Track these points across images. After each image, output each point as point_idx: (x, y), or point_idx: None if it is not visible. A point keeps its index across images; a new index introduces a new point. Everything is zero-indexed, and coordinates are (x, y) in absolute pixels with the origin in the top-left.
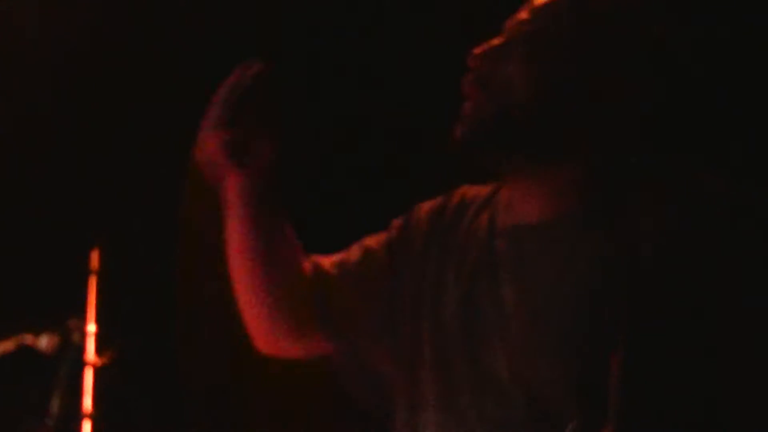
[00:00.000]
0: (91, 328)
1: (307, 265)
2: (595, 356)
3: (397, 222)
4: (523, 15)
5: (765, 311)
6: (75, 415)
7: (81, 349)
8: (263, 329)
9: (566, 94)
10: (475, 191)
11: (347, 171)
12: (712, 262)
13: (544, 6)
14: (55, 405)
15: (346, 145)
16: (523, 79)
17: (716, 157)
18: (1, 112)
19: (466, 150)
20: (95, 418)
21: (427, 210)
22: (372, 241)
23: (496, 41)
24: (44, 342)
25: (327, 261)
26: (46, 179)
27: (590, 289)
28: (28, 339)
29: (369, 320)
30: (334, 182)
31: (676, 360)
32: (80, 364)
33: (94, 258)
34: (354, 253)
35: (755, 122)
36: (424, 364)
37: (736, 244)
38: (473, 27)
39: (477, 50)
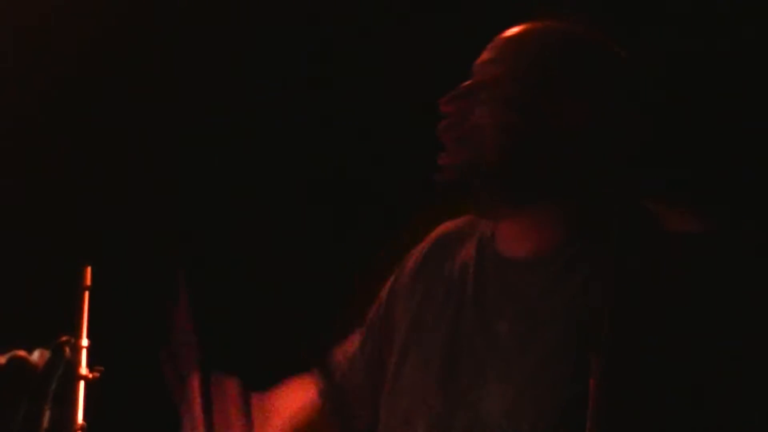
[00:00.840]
0: (84, 342)
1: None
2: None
3: (384, 288)
4: (487, 56)
5: (739, 351)
6: (66, 427)
7: (72, 363)
8: None
9: (535, 136)
10: (454, 228)
11: None
12: (688, 302)
13: (508, 47)
14: (46, 418)
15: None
16: (491, 125)
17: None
18: None
19: (448, 194)
20: (86, 429)
21: (410, 260)
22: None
23: (463, 85)
24: (36, 356)
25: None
26: (41, 198)
27: (577, 324)
28: (20, 353)
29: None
30: None
31: (648, 392)
32: (72, 378)
33: (87, 275)
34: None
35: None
36: (415, 404)
37: (710, 284)
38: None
39: (445, 98)
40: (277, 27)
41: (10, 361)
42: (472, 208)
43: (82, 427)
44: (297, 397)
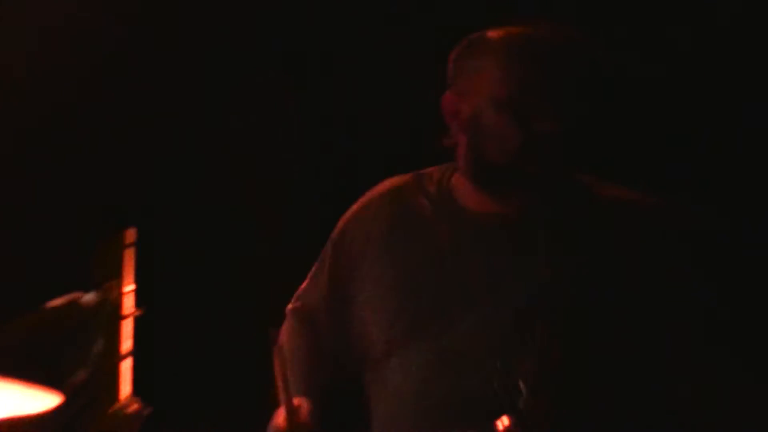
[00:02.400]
0: (129, 287)
1: None
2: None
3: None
4: (478, 60)
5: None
6: (113, 354)
7: (117, 304)
8: None
9: (522, 135)
10: (400, 182)
11: None
12: (615, 249)
13: (507, 44)
14: (97, 345)
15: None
16: (485, 125)
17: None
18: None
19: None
20: (132, 354)
21: (358, 210)
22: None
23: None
24: (89, 297)
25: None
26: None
27: (534, 263)
28: (76, 296)
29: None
30: None
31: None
32: (116, 315)
33: (131, 234)
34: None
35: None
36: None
37: (630, 232)
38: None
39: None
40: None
41: (69, 302)
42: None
43: (126, 354)
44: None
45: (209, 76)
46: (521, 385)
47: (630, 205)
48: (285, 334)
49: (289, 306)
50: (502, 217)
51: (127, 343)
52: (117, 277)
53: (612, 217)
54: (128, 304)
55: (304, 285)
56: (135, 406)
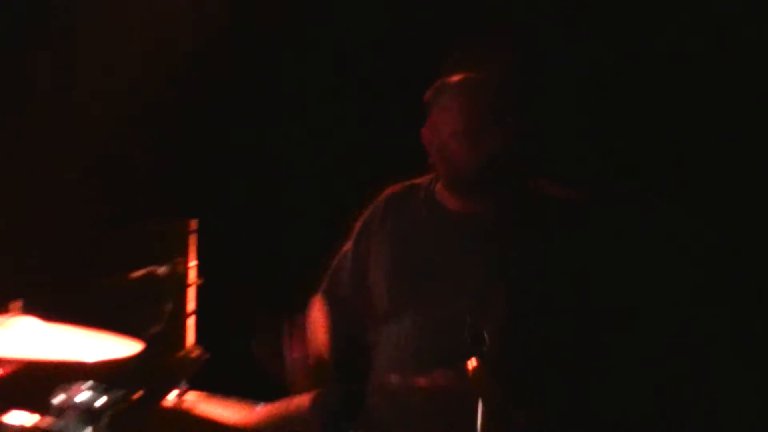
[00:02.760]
0: (192, 263)
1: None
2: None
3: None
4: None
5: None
6: (180, 314)
7: (183, 276)
8: None
9: (489, 151)
10: (400, 189)
11: None
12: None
13: (458, 90)
14: (168, 308)
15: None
16: (456, 147)
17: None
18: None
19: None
20: (197, 313)
21: (369, 213)
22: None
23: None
24: (161, 270)
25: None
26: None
27: (496, 249)
28: (151, 269)
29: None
30: None
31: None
32: (183, 285)
33: (194, 223)
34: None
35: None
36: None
37: (576, 226)
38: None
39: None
40: None
41: (146, 273)
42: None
43: (190, 313)
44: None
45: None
46: (485, 336)
47: (566, 202)
48: (317, 311)
49: (322, 289)
50: (472, 215)
51: (191, 305)
52: (183, 254)
53: (552, 211)
54: (192, 275)
55: (330, 272)
56: (197, 352)
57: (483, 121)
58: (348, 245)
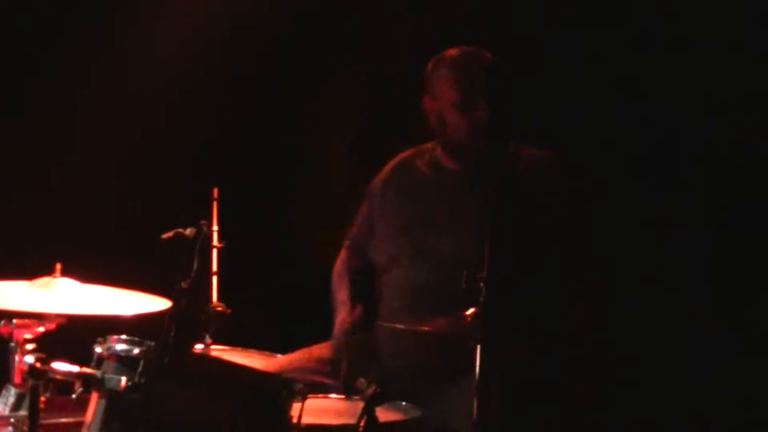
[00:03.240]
0: (215, 227)
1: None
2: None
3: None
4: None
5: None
6: (206, 271)
7: (208, 236)
8: None
9: (471, 122)
10: (410, 154)
11: None
12: (549, 186)
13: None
14: (195, 264)
15: None
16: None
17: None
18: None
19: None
20: (218, 274)
21: (383, 173)
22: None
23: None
24: (188, 231)
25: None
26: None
27: (484, 198)
28: (179, 230)
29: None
30: None
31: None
32: (209, 246)
33: (215, 192)
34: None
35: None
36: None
37: (559, 179)
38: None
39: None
40: None
41: (175, 234)
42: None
43: (215, 273)
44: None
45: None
46: (482, 286)
47: (539, 160)
48: (341, 262)
49: (346, 242)
50: (465, 172)
51: (214, 266)
52: (207, 218)
53: (527, 168)
54: (215, 239)
55: (353, 227)
56: (221, 308)
57: (475, 92)
58: (364, 202)
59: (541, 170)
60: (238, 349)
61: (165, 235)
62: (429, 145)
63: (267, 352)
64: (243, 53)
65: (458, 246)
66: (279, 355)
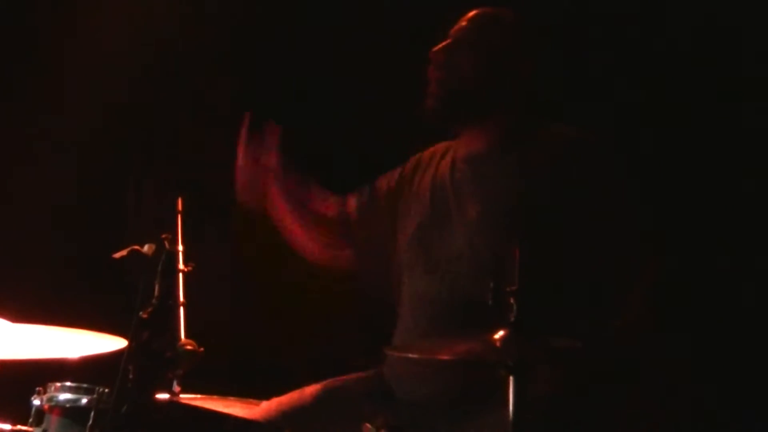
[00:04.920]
0: (180, 247)
1: (332, 206)
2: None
3: (395, 171)
4: (463, 23)
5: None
6: (170, 297)
7: (171, 253)
8: (308, 252)
9: (494, 73)
10: (431, 151)
11: None
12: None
13: (477, 19)
14: (156, 289)
15: None
16: (468, 66)
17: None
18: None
19: (434, 114)
20: (185, 304)
21: (413, 161)
22: (381, 182)
23: (446, 42)
24: (146, 248)
25: (350, 202)
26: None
27: (508, 190)
28: (135, 247)
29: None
30: None
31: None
32: (172, 263)
33: (180, 203)
34: (366, 193)
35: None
36: (412, 247)
37: (594, 160)
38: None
39: (435, 48)
40: None
41: (130, 252)
42: (448, 123)
43: (182, 303)
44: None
45: None
46: (512, 301)
47: (577, 140)
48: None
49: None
50: (482, 154)
51: (180, 293)
52: (171, 233)
53: (556, 145)
54: (180, 261)
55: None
56: (191, 346)
57: (492, 54)
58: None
59: (581, 153)
60: (215, 397)
61: (118, 254)
62: (447, 143)
63: (250, 400)
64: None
65: (481, 250)
66: (264, 402)
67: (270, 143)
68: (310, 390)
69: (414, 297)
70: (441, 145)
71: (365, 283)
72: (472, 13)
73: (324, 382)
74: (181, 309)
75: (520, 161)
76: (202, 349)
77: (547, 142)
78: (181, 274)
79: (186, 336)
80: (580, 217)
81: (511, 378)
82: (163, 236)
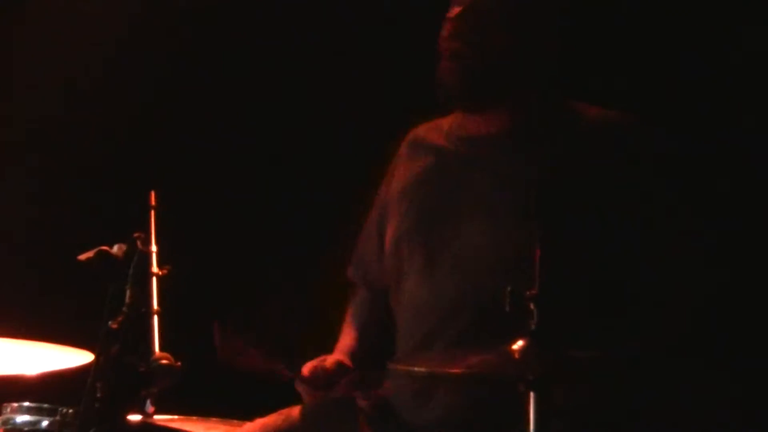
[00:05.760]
0: (154, 248)
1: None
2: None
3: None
4: None
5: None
6: (144, 303)
7: (144, 254)
8: None
9: (522, 46)
10: (424, 129)
11: None
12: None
13: None
14: (127, 296)
15: None
16: (493, 39)
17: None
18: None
19: (452, 93)
20: (160, 313)
21: (396, 159)
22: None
23: (465, 6)
24: (116, 249)
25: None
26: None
27: (528, 177)
28: (104, 248)
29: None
30: None
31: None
32: (144, 265)
33: (153, 197)
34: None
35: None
36: (409, 246)
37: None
38: None
39: (452, 13)
40: None
41: (97, 253)
42: (466, 102)
43: (157, 312)
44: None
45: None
46: (532, 307)
47: (612, 122)
48: (355, 305)
49: (349, 270)
50: (493, 135)
51: (154, 301)
52: (144, 231)
53: (590, 130)
54: (154, 264)
55: (355, 248)
56: (167, 361)
57: (522, 24)
58: (372, 212)
59: (622, 140)
60: (194, 417)
61: (84, 256)
62: (446, 118)
63: (233, 421)
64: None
65: (494, 247)
66: (248, 423)
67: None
68: (299, 410)
69: (414, 303)
70: (438, 123)
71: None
72: None
73: (314, 401)
74: (156, 318)
75: (545, 146)
76: (179, 363)
77: (579, 125)
78: (155, 279)
79: (161, 349)
80: (615, 214)
81: (531, 394)
82: (135, 235)
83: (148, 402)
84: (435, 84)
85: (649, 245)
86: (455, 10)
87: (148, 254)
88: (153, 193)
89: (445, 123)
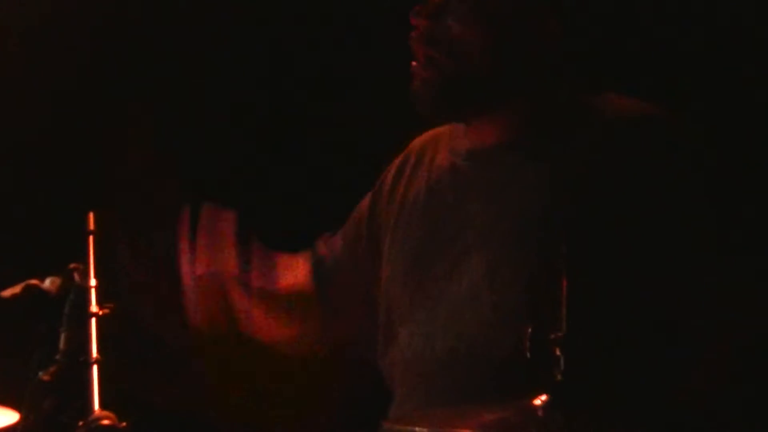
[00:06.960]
0: (92, 282)
1: (302, 268)
2: (550, 257)
3: (369, 195)
4: None
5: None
6: (81, 348)
7: (82, 289)
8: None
9: (507, 45)
10: (424, 139)
11: None
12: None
13: None
14: (62, 339)
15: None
16: (473, 37)
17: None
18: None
19: (429, 105)
20: (100, 362)
21: (391, 169)
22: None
23: (433, 2)
24: (48, 283)
25: (324, 251)
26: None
27: (539, 197)
28: (33, 282)
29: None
30: None
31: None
32: (82, 302)
33: (91, 220)
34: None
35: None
36: (400, 279)
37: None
38: None
39: (418, 8)
40: None
41: (25, 288)
42: (448, 114)
43: (97, 360)
44: (295, 269)
45: None
46: (557, 351)
47: (638, 116)
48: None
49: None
50: (497, 145)
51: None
52: (79, 259)
53: (607, 125)
54: (93, 300)
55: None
56: (109, 421)
57: (503, 17)
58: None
59: (646, 136)
60: None
61: (8, 292)
62: (445, 127)
63: None
64: None
65: (505, 283)
66: None
67: (225, 241)
68: None
69: (412, 353)
70: (434, 134)
71: (352, 349)
72: None
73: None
74: (96, 367)
75: (553, 155)
76: (124, 423)
77: (593, 122)
78: (94, 319)
79: (102, 406)
80: (645, 234)
81: None
82: (71, 266)
83: None
84: (411, 97)
85: (699, 274)
86: (416, 7)
87: (87, 289)
88: (92, 215)
89: (444, 134)
